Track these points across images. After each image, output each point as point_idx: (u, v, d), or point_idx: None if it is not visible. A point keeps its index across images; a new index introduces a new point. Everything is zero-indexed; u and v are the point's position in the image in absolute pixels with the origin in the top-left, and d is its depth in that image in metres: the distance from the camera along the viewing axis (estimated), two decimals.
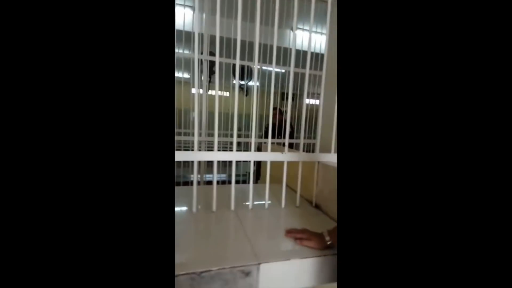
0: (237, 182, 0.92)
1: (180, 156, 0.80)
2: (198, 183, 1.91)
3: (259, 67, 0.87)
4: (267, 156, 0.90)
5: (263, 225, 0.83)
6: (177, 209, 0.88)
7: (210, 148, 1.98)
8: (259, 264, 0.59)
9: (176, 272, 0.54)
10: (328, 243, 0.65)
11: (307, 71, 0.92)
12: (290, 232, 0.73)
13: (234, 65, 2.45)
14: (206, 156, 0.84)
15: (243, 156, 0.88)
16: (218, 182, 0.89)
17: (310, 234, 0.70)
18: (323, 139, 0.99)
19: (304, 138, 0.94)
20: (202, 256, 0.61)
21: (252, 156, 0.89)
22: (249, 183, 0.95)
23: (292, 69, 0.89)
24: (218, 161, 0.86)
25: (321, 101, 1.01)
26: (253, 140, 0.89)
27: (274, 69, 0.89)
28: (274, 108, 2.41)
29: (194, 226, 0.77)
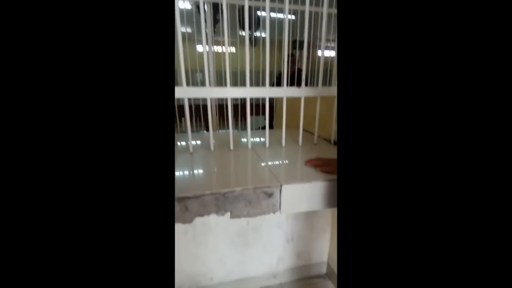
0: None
1: (191, 92, 0.78)
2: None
3: (269, 14, 0.78)
4: (283, 92, 0.87)
5: (282, 158, 0.83)
6: (194, 148, 0.89)
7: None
8: (281, 185, 0.60)
9: (201, 192, 0.56)
10: None
11: (325, 9, 0.81)
12: (309, 161, 0.73)
13: (239, 15, 2.25)
14: (218, 92, 0.81)
15: (257, 92, 0.85)
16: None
17: (329, 160, 0.70)
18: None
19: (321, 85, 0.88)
20: (225, 180, 0.63)
21: (267, 92, 0.85)
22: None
23: (307, 8, 0.79)
24: (227, 116, 0.84)
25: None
26: (267, 74, 0.84)
27: (287, 15, 0.79)
28: (292, 55, 2.18)
29: (215, 160, 0.78)
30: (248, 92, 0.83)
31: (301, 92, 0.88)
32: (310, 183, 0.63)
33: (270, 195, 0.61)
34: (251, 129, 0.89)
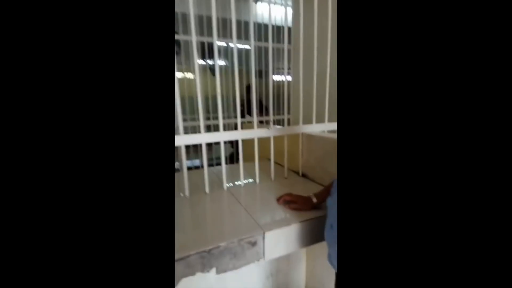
0: (211, 165, 0.92)
1: None
2: (177, 170, 1.85)
3: (234, 45, 0.84)
4: (255, 133, 0.91)
5: (257, 198, 0.86)
6: None
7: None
8: (264, 233, 0.62)
9: (186, 253, 0.54)
10: (314, 201, 0.72)
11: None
12: (280, 198, 0.77)
13: (201, 45, 2.33)
14: (192, 139, 0.82)
15: (230, 135, 0.88)
16: (192, 168, 0.88)
17: (297, 197, 0.75)
18: (293, 113, 1.03)
19: (274, 114, 0.95)
20: (208, 234, 0.62)
21: (239, 134, 0.89)
22: (232, 163, 0.96)
23: (270, 44, 0.89)
24: (187, 147, 0.85)
25: (293, 75, 1.03)
26: (239, 120, 0.89)
27: (252, 44, 0.87)
28: (248, 86, 2.34)
29: (192, 210, 0.77)
30: (222, 136, 0.86)
31: (270, 132, 0.94)
32: (290, 226, 0.66)
33: (254, 244, 0.62)
34: (217, 159, 0.89)
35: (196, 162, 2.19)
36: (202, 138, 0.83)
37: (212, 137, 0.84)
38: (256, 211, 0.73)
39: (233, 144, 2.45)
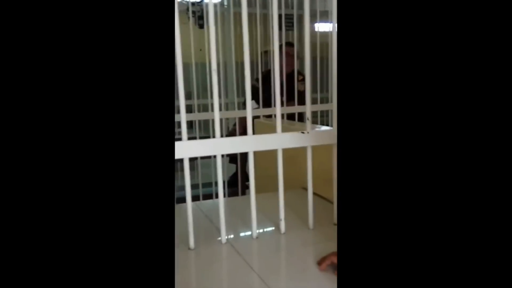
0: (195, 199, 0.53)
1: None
2: None
3: None
4: (278, 141, 0.52)
5: (284, 262, 0.50)
6: None
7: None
8: None
9: None
10: None
11: None
12: (323, 260, 0.44)
13: None
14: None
15: (236, 144, 0.50)
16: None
17: None
18: None
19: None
20: None
21: (251, 142, 0.50)
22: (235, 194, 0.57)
23: None
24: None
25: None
26: (249, 113, 0.50)
27: None
28: (291, 45, 1.22)
29: None
30: (219, 146, 0.48)
31: (307, 139, 0.54)
32: None
33: None
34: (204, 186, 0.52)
35: None
36: (184, 148, 0.46)
37: (201, 147, 0.47)
38: (282, 285, 0.42)
39: (236, 159, 1.37)
